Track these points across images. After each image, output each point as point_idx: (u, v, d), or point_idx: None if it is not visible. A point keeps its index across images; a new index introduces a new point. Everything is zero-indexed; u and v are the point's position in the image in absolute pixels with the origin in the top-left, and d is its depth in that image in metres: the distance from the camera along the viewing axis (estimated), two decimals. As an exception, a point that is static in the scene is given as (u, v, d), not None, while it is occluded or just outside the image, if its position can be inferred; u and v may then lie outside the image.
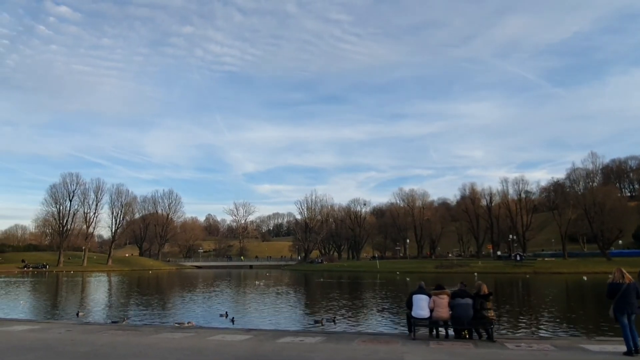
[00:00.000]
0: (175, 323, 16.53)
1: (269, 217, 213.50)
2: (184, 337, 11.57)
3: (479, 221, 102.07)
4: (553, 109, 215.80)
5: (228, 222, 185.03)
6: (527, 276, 60.44)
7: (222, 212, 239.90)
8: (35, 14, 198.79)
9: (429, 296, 11.41)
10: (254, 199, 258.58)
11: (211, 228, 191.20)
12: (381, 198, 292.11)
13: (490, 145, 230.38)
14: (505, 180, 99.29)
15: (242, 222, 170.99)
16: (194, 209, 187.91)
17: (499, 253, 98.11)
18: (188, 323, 16.05)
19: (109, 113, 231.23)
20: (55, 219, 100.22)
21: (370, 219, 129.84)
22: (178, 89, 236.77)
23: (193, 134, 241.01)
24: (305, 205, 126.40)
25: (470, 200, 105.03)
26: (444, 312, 11.06)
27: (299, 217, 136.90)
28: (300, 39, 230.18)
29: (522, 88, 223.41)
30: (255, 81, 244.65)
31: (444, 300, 11.19)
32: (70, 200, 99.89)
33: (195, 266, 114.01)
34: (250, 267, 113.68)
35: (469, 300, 11.02)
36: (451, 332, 11.66)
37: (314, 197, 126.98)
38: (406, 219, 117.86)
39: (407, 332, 12.05)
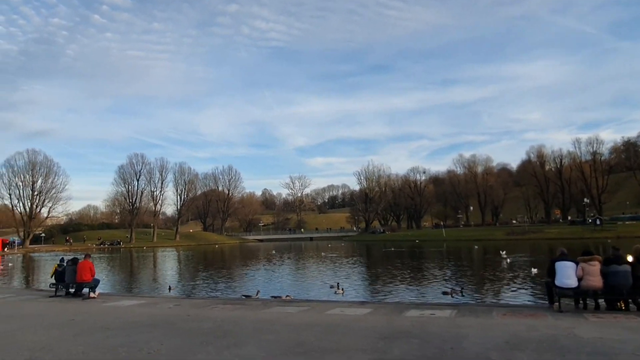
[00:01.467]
0: (271, 296, 16.02)
1: (323, 189, 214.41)
2: (300, 311, 10.85)
3: (549, 185, 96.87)
4: (618, 65, 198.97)
5: (284, 195, 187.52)
6: (609, 241, 56.52)
7: (278, 187, 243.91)
8: (89, 4, 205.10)
9: (576, 263, 10.02)
10: (306, 173, 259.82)
11: (268, 202, 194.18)
12: (435, 166, 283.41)
13: (549, 107, 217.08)
14: (577, 141, 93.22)
15: (299, 195, 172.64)
16: (250, 184, 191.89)
17: (569, 218, 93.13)
18: (286, 296, 15.46)
19: (163, 95, 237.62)
20: (125, 198, 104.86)
21: (429, 188, 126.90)
22: (227, 67, 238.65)
23: (244, 111, 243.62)
24: (364, 175, 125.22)
25: (538, 163, 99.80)
26: (595, 280, 9.63)
27: (356, 187, 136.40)
28: (345, 9, 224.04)
29: (583, 44, 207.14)
30: (302, 55, 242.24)
31: (595, 267, 9.75)
32: (138, 180, 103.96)
33: (257, 239, 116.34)
34: (311, 239, 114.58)
35: (627, 267, 9.53)
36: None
37: (371, 168, 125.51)
38: (467, 185, 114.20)
39: (544, 303, 10.77)
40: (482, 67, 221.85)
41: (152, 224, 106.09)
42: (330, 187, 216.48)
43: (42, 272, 35.30)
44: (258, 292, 16.00)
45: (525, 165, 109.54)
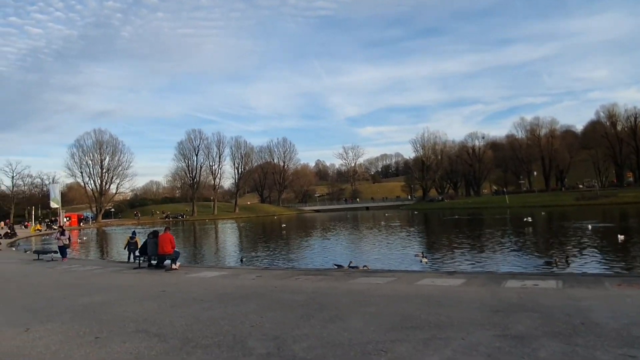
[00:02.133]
0: (348, 267, 15.78)
1: (376, 158, 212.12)
2: (388, 282, 10.46)
3: (622, 146, 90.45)
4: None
5: (337, 166, 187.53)
6: (694, 204, 52.37)
7: (331, 157, 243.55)
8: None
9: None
10: (358, 142, 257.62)
11: (321, 173, 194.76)
12: (491, 131, 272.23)
13: (617, 63, 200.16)
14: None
15: (352, 165, 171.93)
16: (303, 155, 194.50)
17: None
18: (364, 267, 15.17)
19: (215, 71, 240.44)
20: (185, 172, 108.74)
21: (487, 153, 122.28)
22: (275, 39, 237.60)
23: (294, 83, 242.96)
24: (420, 142, 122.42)
25: (609, 123, 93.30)
26: None
27: (410, 156, 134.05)
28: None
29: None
30: (350, 22, 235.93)
31: None
32: (197, 155, 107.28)
33: (314, 210, 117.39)
34: (367, 208, 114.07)
35: None
36: None
37: (426, 135, 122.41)
38: (529, 150, 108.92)
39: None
40: (541, 24, 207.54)
41: (212, 197, 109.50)
42: (384, 156, 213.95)
43: (115, 244, 37.19)
44: (350, 262, 15.70)
45: (595, 125, 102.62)
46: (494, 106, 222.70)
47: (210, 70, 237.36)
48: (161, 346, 5.92)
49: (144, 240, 16.65)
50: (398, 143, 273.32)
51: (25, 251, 31.31)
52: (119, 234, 52.93)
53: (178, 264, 15.35)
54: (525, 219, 37.79)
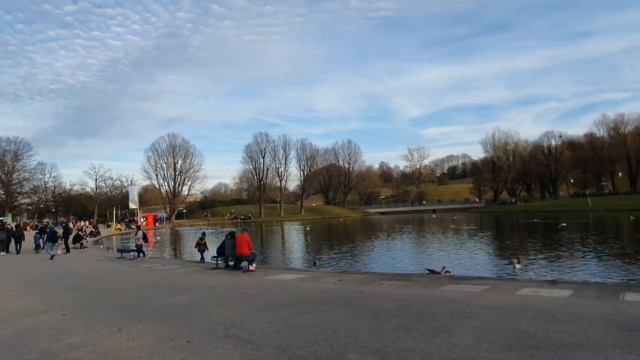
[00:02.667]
0: (426, 269, 14.99)
1: (442, 160, 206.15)
2: (483, 290, 9.60)
3: None
4: None
5: (401, 168, 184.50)
6: None
7: (395, 159, 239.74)
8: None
9: None
10: (422, 143, 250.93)
11: (385, 175, 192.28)
12: (567, 130, 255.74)
13: None
14: None
15: (417, 166, 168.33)
16: (366, 157, 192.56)
17: None
18: (446, 272, 14.30)
19: (279, 75, 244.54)
20: (253, 175, 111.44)
21: (565, 153, 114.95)
22: (337, 42, 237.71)
23: (356, 85, 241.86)
24: (491, 142, 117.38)
25: None
26: None
27: (479, 156, 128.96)
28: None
29: None
30: (412, 22, 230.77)
31: None
32: (263, 157, 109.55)
33: (379, 212, 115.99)
34: (434, 211, 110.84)
35: None
36: None
37: (497, 135, 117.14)
38: (612, 149, 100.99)
39: None
40: (620, 14, 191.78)
41: (278, 199, 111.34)
42: (450, 158, 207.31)
43: (187, 244, 38.45)
44: (444, 267, 14.85)
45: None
46: (569, 103, 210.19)
47: (274, 75, 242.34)
48: (256, 355, 5.58)
49: (222, 240, 16.81)
50: (464, 144, 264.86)
51: (108, 249, 33.09)
52: (191, 234, 54.83)
53: (255, 265, 15.27)
54: (560, 225, 34.81)
